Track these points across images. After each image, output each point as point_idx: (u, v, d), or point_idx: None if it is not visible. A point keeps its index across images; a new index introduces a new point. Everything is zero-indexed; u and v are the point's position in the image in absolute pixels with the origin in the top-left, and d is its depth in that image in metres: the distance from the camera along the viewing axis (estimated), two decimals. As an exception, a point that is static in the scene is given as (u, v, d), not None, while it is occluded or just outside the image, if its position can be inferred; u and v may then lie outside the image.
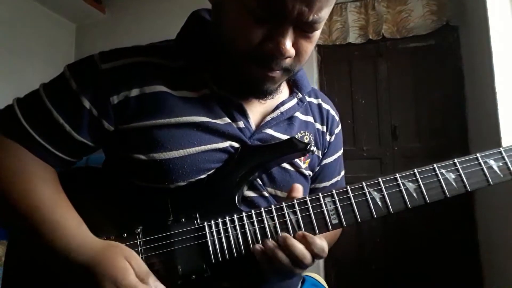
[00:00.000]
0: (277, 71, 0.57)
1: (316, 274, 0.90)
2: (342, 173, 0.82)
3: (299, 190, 0.58)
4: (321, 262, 2.38)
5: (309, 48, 0.58)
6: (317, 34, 0.58)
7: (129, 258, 0.51)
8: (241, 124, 0.62)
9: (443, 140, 2.29)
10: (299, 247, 0.51)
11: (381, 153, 2.40)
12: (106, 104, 0.57)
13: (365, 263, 2.33)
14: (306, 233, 0.53)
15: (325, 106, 0.77)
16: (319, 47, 2.58)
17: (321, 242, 0.53)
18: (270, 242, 0.52)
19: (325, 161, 0.76)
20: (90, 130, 0.58)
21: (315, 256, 0.52)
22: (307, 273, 0.88)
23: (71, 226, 0.53)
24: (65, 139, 0.58)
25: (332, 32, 2.50)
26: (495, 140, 1.70)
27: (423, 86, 2.37)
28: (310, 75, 2.51)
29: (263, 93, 0.61)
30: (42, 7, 2.81)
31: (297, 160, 0.66)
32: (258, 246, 0.53)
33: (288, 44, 0.52)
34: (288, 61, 0.56)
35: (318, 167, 0.74)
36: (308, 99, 0.74)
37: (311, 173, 0.71)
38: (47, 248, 0.52)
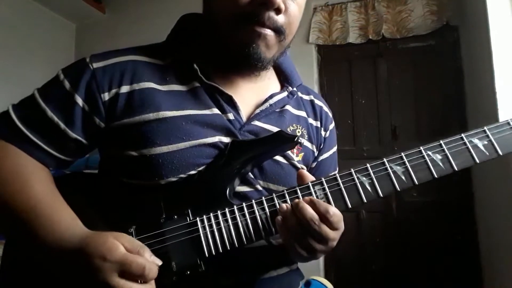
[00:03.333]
0: (268, 30, 0.59)
1: (323, 279, 0.89)
2: (337, 168, 0.83)
3: (306, 177, 0.58)
4: (321, 262, 2.38)
5: (297, 12, 0.62)
6: (302, 0, 0.63)
7: (119, 236, 0.50)
8: (230, 115, 0.63)
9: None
10: (308, 209, 0.51)
11: (381, 153, 2.37)
12: (97, 100, 0.59)
13: (365, 263, 2.33)
14: (313, 198, 0.54)
15: (318, 102, 0.78)
16: (319, 47, 2.58)
17: (326, 204, 0.53)
18: (285, 205, 0.53)
19: (321, 157, 0.76)
20: (84, 127, 0.60)
21: (322, 218, 0.51)
22: (314, 276, 0.87)
23: (65, 221, 0.54)
24: (60, 137, 0.59)
25: (332, 32, 2.51)
26: (495, 140, 1.70)
27: (423, 86, 2.37)
28: (310, 75, 2.51)
29: (256, 58, 0.61)
30: (42, 7, 2.81)
31: (289, 152, 0.67)
32: (279, 217, 0.53)
33: None
34: (279, 19, 0.59)
35: (315, 163, 0.75)
36: (299, 94, 0.75)
37: (304, 167, 0.71)
38: (41, 242, 0.52)
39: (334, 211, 0.52)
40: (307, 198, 0.54)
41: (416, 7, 2.34)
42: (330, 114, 0.81)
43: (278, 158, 0.65)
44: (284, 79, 0.74)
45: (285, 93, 0.70)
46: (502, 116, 1.68)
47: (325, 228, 0.52)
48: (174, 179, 0.58)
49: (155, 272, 0.49)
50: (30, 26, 2.70)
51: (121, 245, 0.49)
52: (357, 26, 2.46)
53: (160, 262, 0.51)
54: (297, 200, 0.54)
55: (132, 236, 0.55)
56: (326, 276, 2.38)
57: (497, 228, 1.85)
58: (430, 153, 0.56)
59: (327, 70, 2.59)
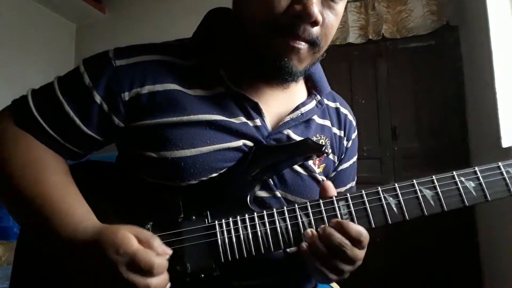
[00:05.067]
0: (302, 42, 0.55)
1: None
2: (356, 177, 0.81)
3: (330, 189, 0.57)
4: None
5: (334, 22, 0.58)
6: (340, 8, 0.58)
7: (130, 227, 0.50)
8: (258, 122, 0.61)
9: (443, 140, 2.28)
10: (336, 235, 0.50)
11: (381, 153, 2.39)
12: (117, 100, 0.58)
13: (365, 263, 2.33)
14: (341, 220, 0.51)
15: (343, 110, 0.76)
16: (319, 47, 2.58)
17: (357, 226, 0.51)
18: (309, 231, 0.51)
19: (341, 167, 0.74)
20: (100, 125, 0.59)
21: (354, 241, 0.50)
22: None
23: (78, 214, 0.53)
24: (74, 132, 0.58)
25: (332, 32, 2.50)
26: (495, 140, 1.70)
27: (423, 86, 2.37)
28: (310, 75, 2.51)
29: (287, 72, 0.57)
30: (42, 7, 2.81)
31: (311, 164, 0.65)
32: (303, 244, 0.52)
33: (315, 6, 0.52)
34: (315, 31, 0.55)
35: (334, 173, 0.73)
36: (325, 102, 0.72)
37: (324, 179, 0.69)
38: (55, 235, 0.51)
39: (366, 233, 0.51)
40: (334, 220, 0.51)
41: (416, 7, 2.34)
42: (354, 123, 0.78)
43: (299, 169, 0.63)
44: (312, 85, 0.71)
45: (314, 102, 0.68)
46: (502, 116, 1.68)
47: (356, 251, 0.51)
48: (195, 181, 0.57)
49: (165, 267, 0.48)
50: (30, 26, 2.70)
51: (133, 237, 0.48)
52: (357, 26, 2.46)
53: (170, 252, 0.50)
54: (322, 226, 0.51)
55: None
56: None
57: (497, 229, 1.85)
58: (463, 179, 0.54)
59: (327, 70, 2.55)
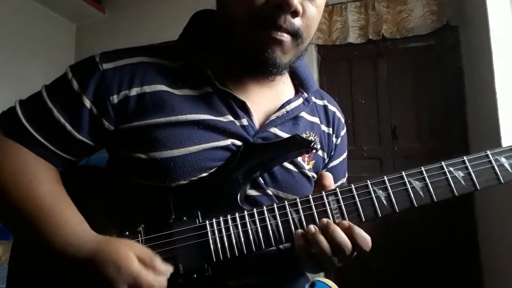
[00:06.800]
0: (285, 34, 0.56)
1: (329, 280, 0.88)
2: (346, 174, 0.81)
3: (328, 177, 0.58)
4: (321, 262, 2.37)
5: (315, 14, 0.59)
6: (321, 1, 0.59)
7: (131, 245, 0.51)
8: (244, 121, 0.61)
9: (443, 140, 2.28)
10: (340, 233, 0.51)
11: (381, 153, 2.39)
12: (106, 103, 0.58)
13: (365, 263, 2.33)
14: (351, 223, 0.52)
15: (331, 108, 0.76)
16: (319, 47, 2.58)
17: (363, 232, 0.52)
18: (312, 226, 0.52)
19: (331, 164, 0.74)
20: (91, 130, 0.59)
21: (356, 245, 0.52)
22: (318, 278, 0.87)
23: (72, 225, 0.53)
24: (66, 138, 0.58)
25: (332, 32, 2.50)
26: (495, 140, 1.70)
27: (423, 86, 2.37)
28: (310, 75, 2.51)
29: (271, 64, 0.58)
30: (42, 7, 2.81)
31: (300, 161, 0.65)
32: (299, 231, 0.53)
33: None
34: (296, 22, 0.56)
35: (324, 170, 0.73)
36: (313, 100, 0.73)
37: (315, 175, 0.69)
38: (48, 247, 0.52)
39: (369, 239, 0.52)
40: (345, 223, 0.52)
41: (416, 7, 2.34)
42: (343, 120, 0.79)
43: (289, 166, 0.64)
44: (299, 83, 0.71)
45: (300, 100, 0.68)
46: (502, 116, 1.68)
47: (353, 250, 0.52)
48: (185, 182, 0.57)
49: (164, 287, 0.50)
50: (30, 26, 2.70)
51: (135, 256, 0.49)
52: (357, 26, 2.46)
53: (171, 269, 0.51)
54: (325, 220, 0.52)
55: (141, 235, 0.55)
56: (326, 276, 2.38)
57: (497, 228, 1.85)
58: (452, 169, 0.53)
59: (327, 70, 2.59)
